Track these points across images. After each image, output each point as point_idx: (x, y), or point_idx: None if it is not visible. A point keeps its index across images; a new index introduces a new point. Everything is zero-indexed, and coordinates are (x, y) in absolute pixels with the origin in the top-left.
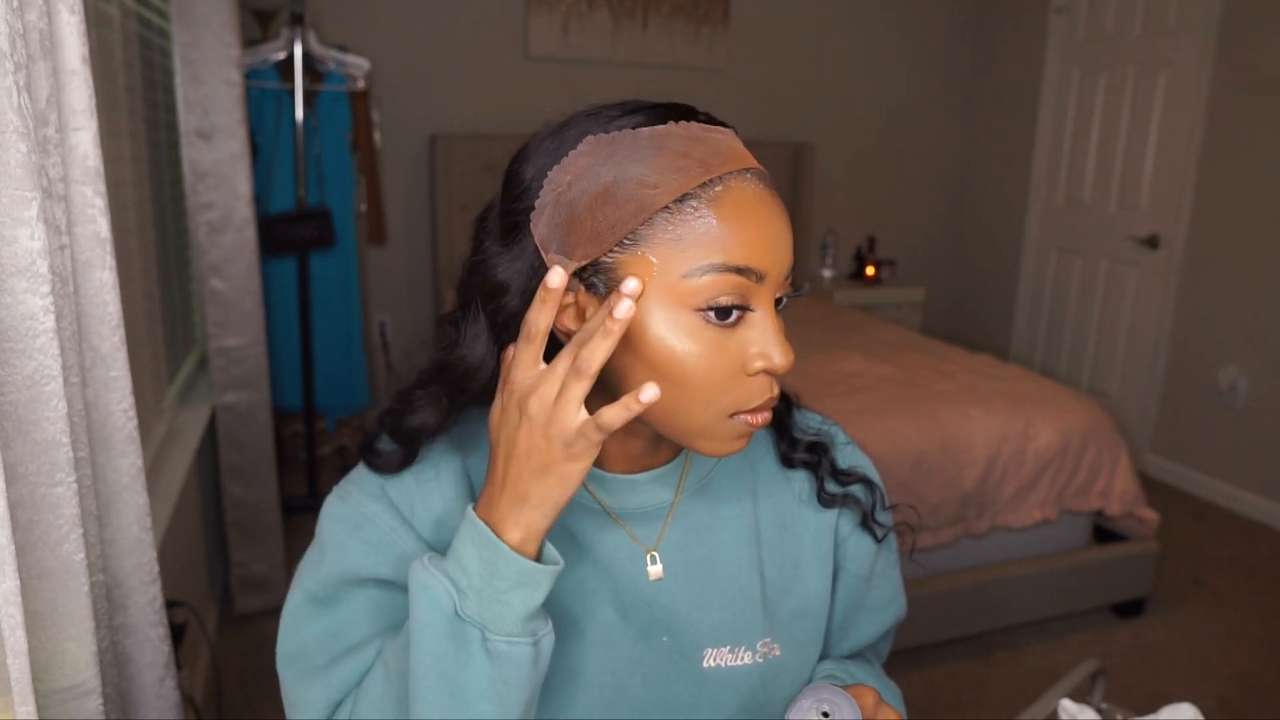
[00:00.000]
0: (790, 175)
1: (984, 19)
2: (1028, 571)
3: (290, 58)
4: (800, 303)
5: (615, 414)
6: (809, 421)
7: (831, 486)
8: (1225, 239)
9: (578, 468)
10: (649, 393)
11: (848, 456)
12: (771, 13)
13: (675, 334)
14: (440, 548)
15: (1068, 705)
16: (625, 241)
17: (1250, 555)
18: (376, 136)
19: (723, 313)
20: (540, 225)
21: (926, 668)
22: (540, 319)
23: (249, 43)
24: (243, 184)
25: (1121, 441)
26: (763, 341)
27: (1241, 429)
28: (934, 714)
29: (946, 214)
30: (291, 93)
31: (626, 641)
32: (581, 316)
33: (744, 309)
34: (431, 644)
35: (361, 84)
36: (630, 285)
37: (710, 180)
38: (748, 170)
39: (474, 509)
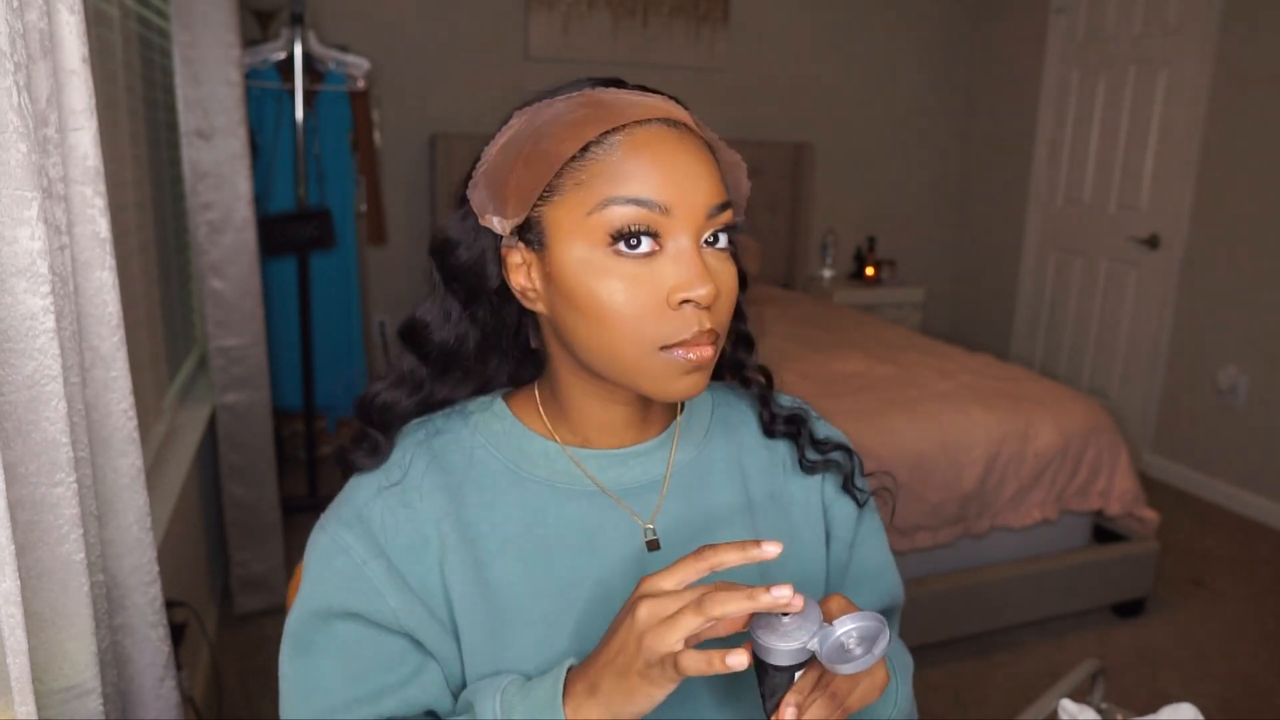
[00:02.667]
0: (790, 175)
1: (984, 19)
2: (1028, 571)
3: (290, 58)
4: (800, 302)
5: (693, 663)
6: (781, 400)
7: (812, 454)
8: (1225, 239)
9: (647, 691)
10: (735, 658)
11: (823, 429)
12: (771, 13)
13: (591, 272)
14: (414, 573)
15: (1068, 705)
16: (544, 195)
17: (1250, 555)
18: (376, 136)
19: (628, 241)
20: (475, 194)
21: (926, 668)
22: (727, 556)
23: (249, 43)
24: (243, 184)
25: (1121, 441)
26: (680, 273)
27: (1241, 429)
28: (934, 714)
29: (946, 214)
30: (291, 93)
31: None
32: (529, 274)
33: (652, 237)
34: None
35: (361, 84)
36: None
37: (614, 130)
38: (657, 120)
39: (569, 669)
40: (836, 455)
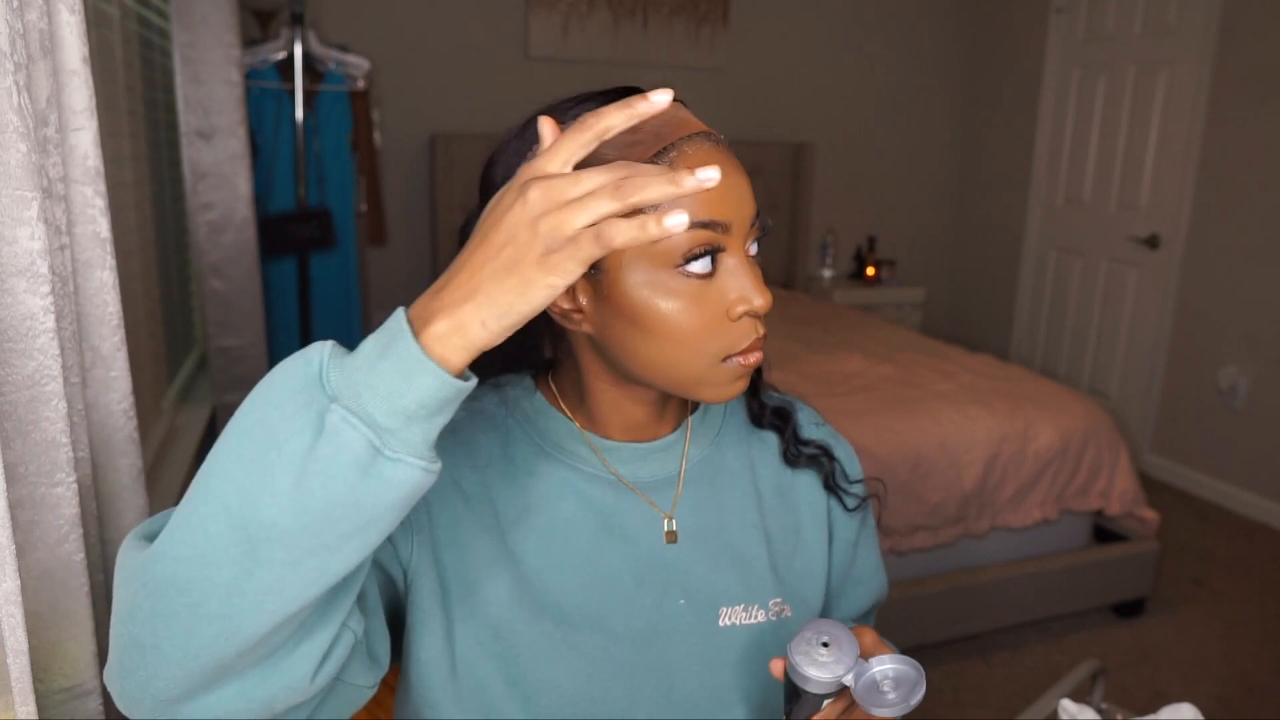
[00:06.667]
0: (790, 175)
1: (984, 19)
2: (1028, 571)
3: (290, 58)
4: (800, 302)
5: (626, 231)
6: (770, 395)
7: (794, 449)
8: (1225, 239)
9: (546, 281)
10: (675, 219)
11: (810, 431)
12: (771, 13)
13: (659, 293)
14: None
15: (1068, 705)
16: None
17: (1250, 555)
18: (376, 136)
19: (699, 264)
20: None
21: (926, 668)
22: (611, 119)
23: (249, 43)
24: (243, 184)
25: (1121, 441)
26: (741, 287)
27: (1241, 429)
28: (934, 714)
29: (946, 214)
30: (291, 93)
31: (645, 608)
32: (574, 299)
33: (714, 256)
34: (273, 391)
35: (361, 84)
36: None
37: (665, 148)
38: (698, 134)
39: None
40: (818, 453)
